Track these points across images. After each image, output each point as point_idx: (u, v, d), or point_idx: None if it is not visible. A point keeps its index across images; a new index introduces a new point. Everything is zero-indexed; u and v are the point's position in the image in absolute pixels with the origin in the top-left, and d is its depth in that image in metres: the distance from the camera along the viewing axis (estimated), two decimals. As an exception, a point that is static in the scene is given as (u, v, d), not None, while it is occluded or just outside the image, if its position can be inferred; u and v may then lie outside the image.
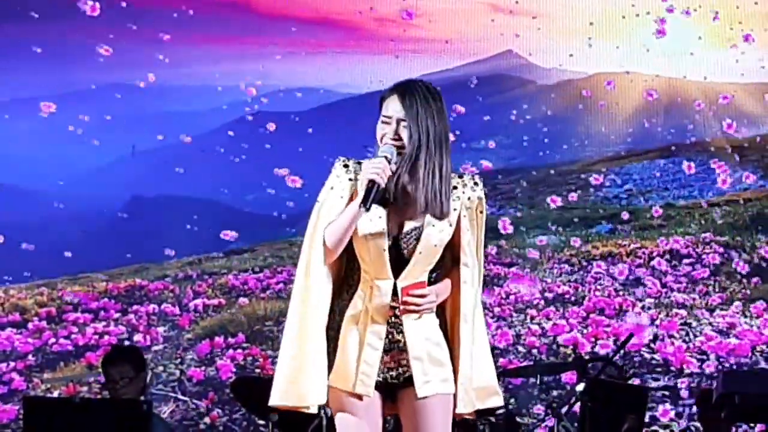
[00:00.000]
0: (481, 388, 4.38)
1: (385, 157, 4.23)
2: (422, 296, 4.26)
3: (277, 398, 4.27)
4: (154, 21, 9.46)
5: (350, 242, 4.30)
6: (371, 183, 4.19)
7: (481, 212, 4.40)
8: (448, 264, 4.41)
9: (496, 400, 4.42)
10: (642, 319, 9.09)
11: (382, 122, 4.33)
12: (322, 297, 4.29)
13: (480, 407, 4.39)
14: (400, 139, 4.27)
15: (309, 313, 4.26)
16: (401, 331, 4.29)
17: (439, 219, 4.29)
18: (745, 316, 9.12)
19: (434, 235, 4.28)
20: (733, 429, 8.26)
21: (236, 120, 9.53)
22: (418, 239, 4.28)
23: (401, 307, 4.26)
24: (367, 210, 4.20)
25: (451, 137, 4.41)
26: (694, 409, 8.54)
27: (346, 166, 4.34)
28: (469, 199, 4.37)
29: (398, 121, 4.29)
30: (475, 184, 4.40)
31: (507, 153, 9.47)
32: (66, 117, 9.39)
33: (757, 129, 9.41)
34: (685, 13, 9.32)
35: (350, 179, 4.30)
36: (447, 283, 4.37)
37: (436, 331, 4.34)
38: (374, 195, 4.19)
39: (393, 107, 4.31)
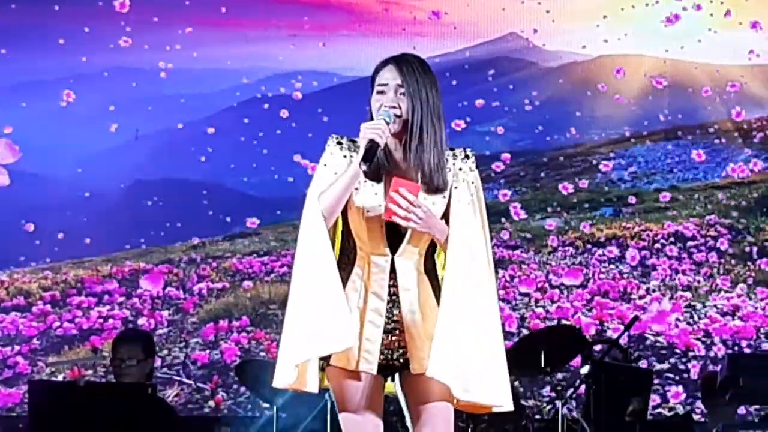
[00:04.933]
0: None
1: (384, 120, 4.18)
2: (411, 203, 4.10)
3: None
4: (164, 6, 9.44)
5: (346, 220, 4.27)
6: (371, 142, 4.14)
7: (477, 187, 4.31)
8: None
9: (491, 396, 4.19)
10: (663, 305, 9.06)
11: (377, 92, 4.27)
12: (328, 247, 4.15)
13: (463, 397, 4.15)
14: (397, 107, 4.23)
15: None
16: (399, 308, 4.25)
17: (436, 191, 4.24)
18: (750, 299, 9.11)
19: (429, 207, 4.19)
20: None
21: (241, 103, 9.51)
22: None
23: (387, 205, 4.11)
24: (368, 167, 4.14)
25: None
26: (699, 391, 8.53)
27: (339, 143, 4.30)
28: (460, 170, 4.30)
29: (396, 89, 4.25)
30: (466, 156, 4.33)
31: (512, 136, 9.44)
32: (72, 101, 9.38)
33: (763, 111, 9.38)
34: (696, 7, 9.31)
35: (344, 156, 4.25)
36: (445, 227, 4.22)
37: (433, 306, 4.25)
38: (373, 155, 4.14)
39: (389, 75, 4.26)
